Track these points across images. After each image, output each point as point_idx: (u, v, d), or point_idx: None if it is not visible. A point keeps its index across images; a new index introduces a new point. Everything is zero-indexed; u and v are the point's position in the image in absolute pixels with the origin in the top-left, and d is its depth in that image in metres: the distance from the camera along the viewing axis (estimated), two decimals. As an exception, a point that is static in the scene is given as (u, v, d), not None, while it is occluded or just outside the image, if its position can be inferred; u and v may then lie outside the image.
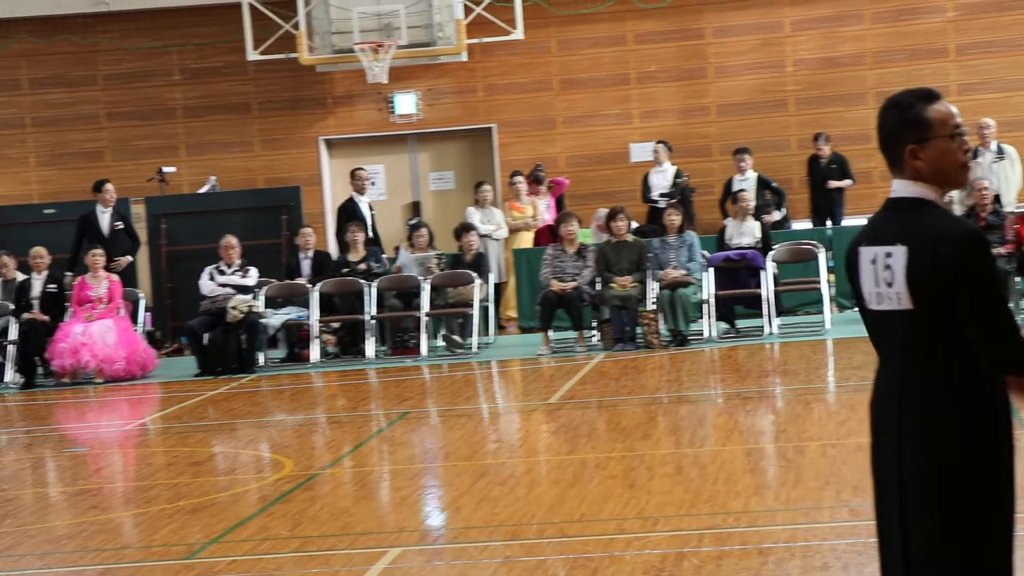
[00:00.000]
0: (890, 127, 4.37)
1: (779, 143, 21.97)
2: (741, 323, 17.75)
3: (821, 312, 17.59)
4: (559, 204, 20.98)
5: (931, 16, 22.11)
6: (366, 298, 17.89)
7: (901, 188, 4.38)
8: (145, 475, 11.58)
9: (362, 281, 18.05)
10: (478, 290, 17.84)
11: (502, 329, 19.66)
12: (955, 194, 17.25)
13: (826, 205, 20.60)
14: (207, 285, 17.78)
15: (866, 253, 4.40)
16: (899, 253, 4.29)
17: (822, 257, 17.73)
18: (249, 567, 7.96)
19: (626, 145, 22.44)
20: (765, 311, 17.32)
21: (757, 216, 18.36)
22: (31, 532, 9.33)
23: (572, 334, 17.54)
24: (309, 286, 18.09)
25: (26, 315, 17.82)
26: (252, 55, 21.98)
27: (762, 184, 20.36)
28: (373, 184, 21.34)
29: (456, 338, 17.84)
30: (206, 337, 17.45)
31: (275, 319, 17.98)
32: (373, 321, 17.91)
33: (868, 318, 4.46)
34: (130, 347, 17.53)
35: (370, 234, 19.65)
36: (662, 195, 20.39)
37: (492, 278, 18.66)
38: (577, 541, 8.06)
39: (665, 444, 11.22)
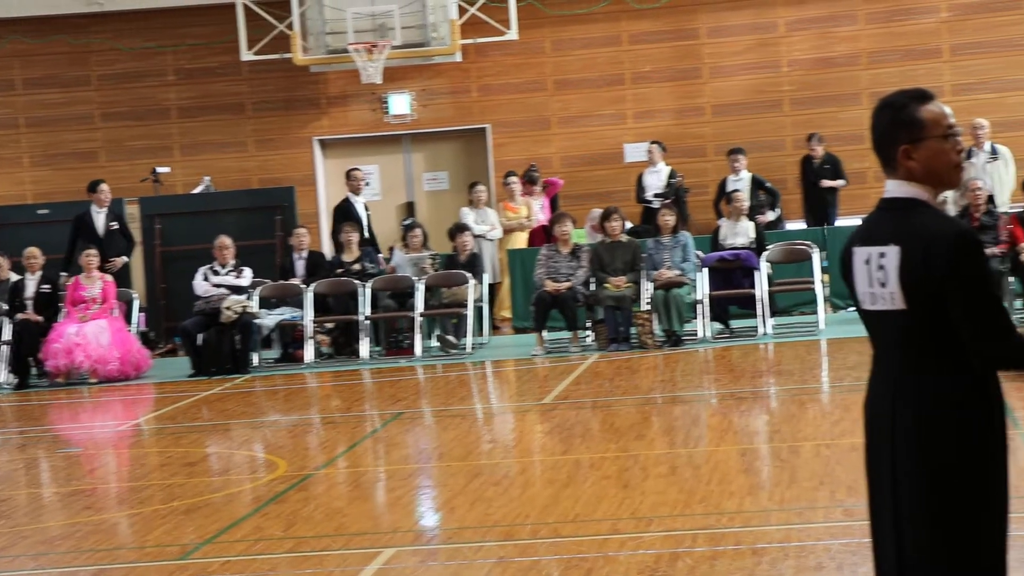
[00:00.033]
0: (883, 127, 4.38)
1: (773, 143, 21.98)
2: (735, 323, 17.76)
3: (815, 312, 17.60)
4: (553, 204, 20.99)
5: (925, 17, 22.12)
6: (360, 298, 17.89)
7: (894, 188, 4.38)
8: (139, 476, 11.57)
9: (356, 281, 18.05)
10: (472, 290, 17.84)
11: (496, 329, 19.66)
12: (949, 194, 17.26)
13: (820, 206, 20.61)
14: (201, 285, 17.77)
15: (860, 253, 4.41)
16: (892, 253, 4.29)
17: (816, 257, 17.74)
18: (243, 568, 7.95)
19: (620, 145, 22.44)
20: (759, 311, 17.33)
21: (751, 216, 18.37)
22: (25, 533, 9.33)
23: (566, 334, 17.54)
24: (303, 286, 18.09)
25: (20, 316, 17.80)
26: (246, 55, 21.97)
27: (756, 184, 20.36)
28: (368, 184, 21.33)
29: (450, 338, 17.84)
30: (200, 337, 17.44)
31: (269, 319, 17.98)
32: (367, 321, 17.91)
33: (863, 318, 4.47)
34: (124, 347, 17.52)
35: (366, 234, 19.66)
36: (656, 195, 20.40)
37: (486, 278, 18.66)
38: (571, 541, 8.06)
39: (659, 444, 11.22)
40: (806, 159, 20.86)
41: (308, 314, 17.86)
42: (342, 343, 18.20)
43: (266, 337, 18.17)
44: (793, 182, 21.11)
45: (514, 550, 7.98)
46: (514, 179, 20.67)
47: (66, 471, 11.99)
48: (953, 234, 4.22)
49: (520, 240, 20.29)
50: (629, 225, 18.76)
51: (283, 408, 15.14)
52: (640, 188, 20.89)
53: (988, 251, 15.44)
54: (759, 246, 17.76)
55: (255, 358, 17.69)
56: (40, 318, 17.81)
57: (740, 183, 20.10)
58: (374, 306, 18.04)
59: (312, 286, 18.02)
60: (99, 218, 19.35)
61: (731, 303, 17.73)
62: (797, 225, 20.53)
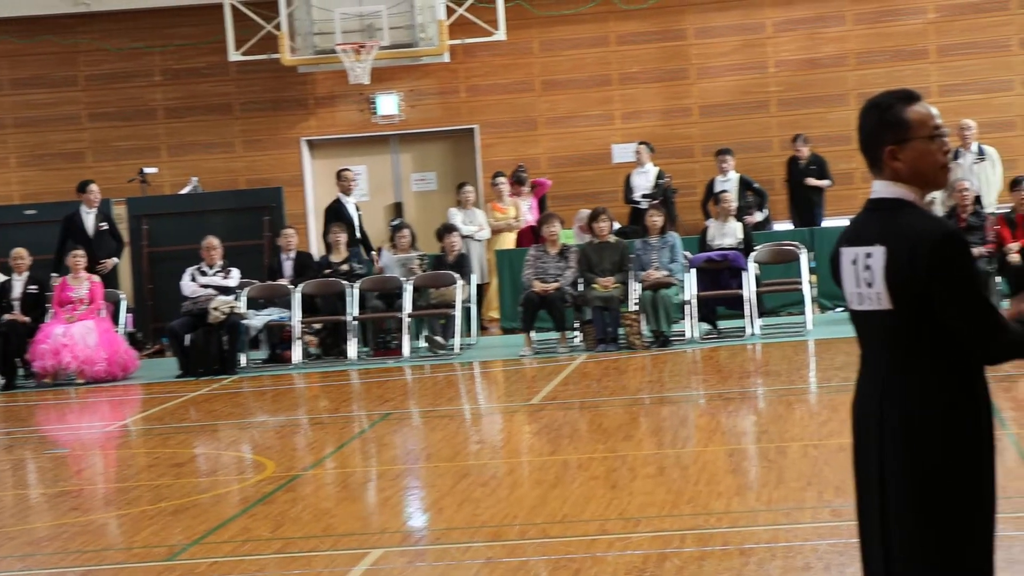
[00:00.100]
0: (870, 128, 4.38)
1: (761, 144, 22.01)
2: (723, 324, 17.77)
3: (803, 313, 17.62)
4: (541, 205, 20.99)
5: (912, 17, 22.16)
6: (348, 299, 17.88)
7: (881, 189, 4.39)
8: (126, 476, 11.56)
9: (344, 282, 18.04)
10: (460, 291, 17.83)
11: (484, 330, 19.66)
12: (937, 195, 17.30)
13: (806, 206, 20.63)
14: (189, 286, 17.74)
15: (847, 254, 4.42)
16: (878, 253, 4.30)
17: (804, 258, 17.76)
18: (231, 568, 7.95)
19: (608, 146, 22.45)
20: (747, 312, 17.34)
21: (739, 217, 18.39)
22: (11, 534, 9.31)
23: (554, 335, 17.55)
24: (291, 287, 18.08)
25: (7, 316, 17.77)
26: (234, 56, 21.94)
27: (744, 185, 20.39)
28: (356, 185, 21.31)
29: (438, 339, 17.84)
30: (188, 338, 17.42)
31: (257, 320, 17.96)
32: (355, 322, 17.90)
33: (851, 318, 4.48)
34: (111, 348, 17.50)
35: (357, 235, 19.66)
36: (644, 196, 20.41)
37: (474, 279, 18.66)
38: (559, 542, 8.07)
39: (647, 445, 11.23)
40: (792, 160, 20.89)
41: (296, 315, 17.85)
42: (330, 344, 18.19)
43: (254, 338, 18.15)
44: (780, 183, 21.13)
45: (502, 551, 7.98)
46: (502, 180, 20.67)
47: (53, 472, 11.97)
48: (939, 235, 4.23)
49: (508, 241, 20.29)
50: (617, 226, 18.76)
51: (271, 409, 15.13)
52: (628, 189, 20.90)
53: (975, 251, 15.49)
54: (747, 247, 17.78)
55: (243, 359, 17.67)
56: (27, 319, 17.77)
57: (728, 184, 20.12)
58: (362, 307, 18.02)
59: (300, 287, 18.01)
60: (89, 219, 19.32)
61: (719, 304, 17.75)
62: (785, 226, 20.55)
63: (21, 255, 18.09)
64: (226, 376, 17.10)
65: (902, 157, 4.34)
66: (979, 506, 4.27)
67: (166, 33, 22.91)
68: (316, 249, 21.52)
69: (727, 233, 17.98)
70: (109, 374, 17.36)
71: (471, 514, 8.87)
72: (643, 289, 17.16)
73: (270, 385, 16.52)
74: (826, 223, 20.17)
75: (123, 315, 18.68)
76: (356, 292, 17.94)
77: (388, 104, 22.65)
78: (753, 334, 17.24)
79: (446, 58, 22.03)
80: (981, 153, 19.81)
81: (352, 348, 17.78)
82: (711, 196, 19.68)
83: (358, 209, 20.13)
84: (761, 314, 17.64)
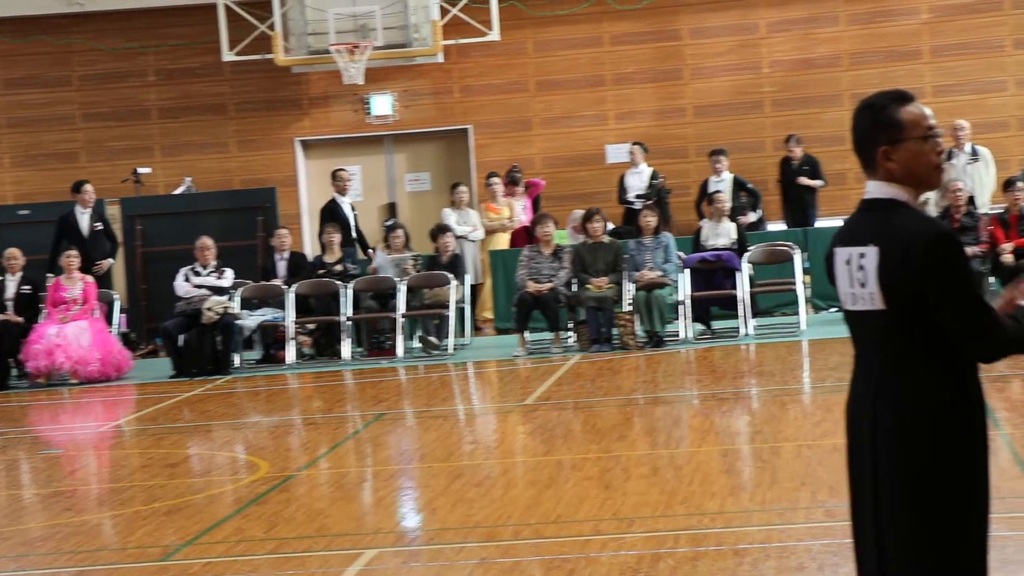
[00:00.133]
0: (863, 128, 4.39)
1: (755, 144, 22.02)
2: (717, 324, 17.78)
3: (797, 313, 17.62)
4: (535, 205, 20.99)
5: (906, 18, 22.18)
6: (342, 299, 17.87)
7: (874, 189, 4.40)
8: (120, 477, 11.55)
9: (338, 282, 18.04)
10: (454, 291, 17.84)
11: (478, 330, 19.66)
12: (931, 195, 17.32)
13: (799, 207, 20.64)
14: (182, 286, 17.73)
15: (841, 254, 4.42)
16: (871, 254, 4.31)
17: (797, 258, 17.76)
18: (224, 569, 7.94)
19: (602, 146, 22.46)
20: (741, 312, 17.35)
21: (733, 217, 18.40)
22: (5, 534, 9.30)
23: (548, 335, 17.55)
24: (285, 287, 18.07)
25: (0, 317, 17.75)
26: (227, 56, 21.93)
27: (738, 185, 20.40)
28: (351, 185, 21.30)
29: (432, 339, 17.84)
30: (181, 338, 17.41)
31: (250, 320, 17.95)
32: (349, 322, 17.89)
33: (845, 318, 4.48)
34: (105, 348, 17.48)
35: (353, 234, 19.67)
36: (638, 196, 20.41)
37: (468, 279, 18.66)
38: (553, 542, 8.07)
39: (641, 445, 11.23)
40: (785, 160, 20.90)
41: (290, 315, 17.85)
42: (324, 344, 18.18)
43: (247, 338, 18.14)
44: (774, 183, 21.14)
45: (496, 551, 7.98)
46: (496, 180, 20.68)
47: (47, 472, 11.96)
48: (933, 235, 4.23)
49: (502, 241, 20.30)
50: (611, 226, 18.77)
51: (265, 409, 15.12)
52: (622, 189, 20.90)
53: (968, 250, 15.51)
54: (741, 247, 17.79)
55: (236, 359, 17.67)
56: (20, 319, 17.76)
57: (722, 184, 20.13)
58: (356, 307, 18.02)
59: (294, 287, 18.01)
60: (83, 219, 19.31)
61: (713, 304, 17.76)
62: (779, 226, 20.56)
63: (14, 255, 18.08)
64: (220, 376, 17.09)
65: (895, 157, 4.34)
66: (972, 506, 4.27)
67: (160, 33, 22.90)
68: (310, 249, 21.53)
69: (721, 233, 17.99)
70: (103, 374, 17.35)
71: (465, 514, 8.87)
72: (637, 289, 17.17)
73: (264, 385, 16.51)
74: (819, 223, 20.18)
75: (117, 315, 18.67)
76: (350, 292, 17.93)
77: (382, 104, 22.65)
78: (747, 334, 17.24)
79: (440, 58, 22.03)
80: (974, 154, 19.83)
81: (346, 348, 17.78)
82: (705, 196, 19.69)
83: (353, 209, 20.13)
84: (755, 314, 17.64)
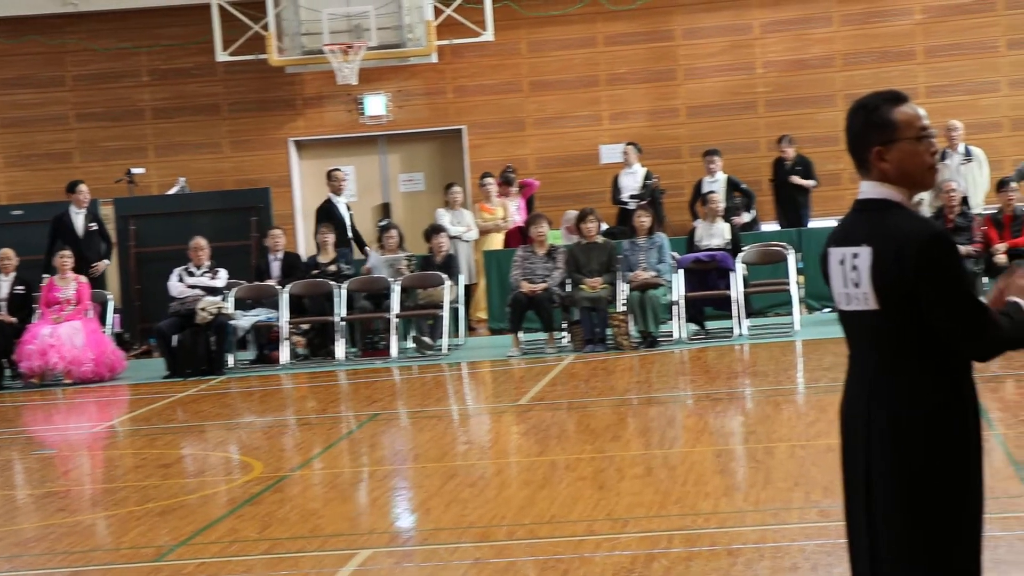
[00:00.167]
0: (857, 129, 4.39)
1: (748, 145, 22.03)
2: (711, 325, 17.78)
3: (790, 314, 17.63)
4: (529, 206, 21.00)
5: (899, 19, 22.20)
6: (336, 300, 17.87)
7: (868, 190, 4.40)
8: (113, 477, 11.54)
9: (332, 282, 18.03)
10: (448, 291, 17.83)
11: (472, 331, 19.66)
12: (925, 196, 17.33)
13: (792, 207, 20.65)
14: (176, 287, 17.72)
15: (835, 254, 4.43)
16: (865, 254, 4.31)
17: (791, 259, 17.77)
18: (218, 569, 7.94)
19: (596, 147, 22.47)
20: (735, 313, 17.36)
21: (727, 218, 18.41)
22: (-1, 535, 9.29)
23: (542, 335, 17.55)
24: (278, 287, 18.06)
25: (-6, 317, 17.75)
26: (221, 56, 21.92)
27: (732, 186, 20.41)
28: (347, 185, 21.31)
29: (426, 340, 17.83)
30: (175, 339, 17.40)
31: (244, 321, 17.94)
32: (343, 323, 17.89)
33: (840, 318, 4.49)
34: (98, 349, 17.47)
35: (349, 234, 19.67)
36: (632, 197, 20.42)
37: (462, 279, 18.66)
38: (547, 542, 8.07)
39: (635, 445, 11.23)
40: (778, 161, 20.91)
41: (283, 315, 17.84)
42: (317, 344, 18.17)
43: (241, 338, 18.13)
44: (767, 184, 21.15)
45: (490, 551, 7.98)
46: (490, 180, 20.68)
47: (40, 473, 11.95)
48: (926, 235, 4.23)
49: (496, 241, 20.30)
50: (605, 226, 18.76)
51: (258, 409, 15.12)
52: (616, 189, 20.91)
53: (962, 249, 15.53)
54: (734, 247, 17.80)
55: (230, 359, 17.66)
56: (14, 319, 17.74)
57: (715, 184, 20.14)
58: (350, 307, 18.02)
59: (287, 287, 18.00)
60: (78, 219, 19.29)
61: (707, 304, 17.76)
62: (772, 227, 20.57)
63: (8, 255, 18.06)
64: (213, 377, 17.08)
65: (889, 158, 4.35)
66: (966, 507, 4.28)
67: (154, 33, 22.88)
68: (304, 250, 21.52)
69: (715, 234, 17.99)
70: (96, 375, 17.34)
71: (459, 515, 8.87)
72: (631, 290, 17.17)
73: (258, 386, 16.50)
74: (813, 224, 20.19)
75: (110, 315, 18.66)
76: (344, 293, 17.93)
77: (376, 104, 22.64)
78: (741, 335, 17.25)
79: (434, 59, 22.03)
80: (968, 154, 19.85)
81: (340, 349, 17.77)
82: (699, 197, 19.70)
83: (349, 209, 20.13)
84: (749, 315, 17.65)
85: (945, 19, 22.07)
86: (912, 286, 4.22)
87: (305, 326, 18.16)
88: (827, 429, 10.67)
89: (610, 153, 22.10)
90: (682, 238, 18.48)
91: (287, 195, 22.63)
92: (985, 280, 17.34)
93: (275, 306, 17.96)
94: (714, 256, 17.61)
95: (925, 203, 18.00)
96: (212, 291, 17.68)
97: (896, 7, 22.18)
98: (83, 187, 19.41)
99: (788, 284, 17.70)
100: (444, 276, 17.91)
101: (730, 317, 17.43)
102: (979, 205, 19.27)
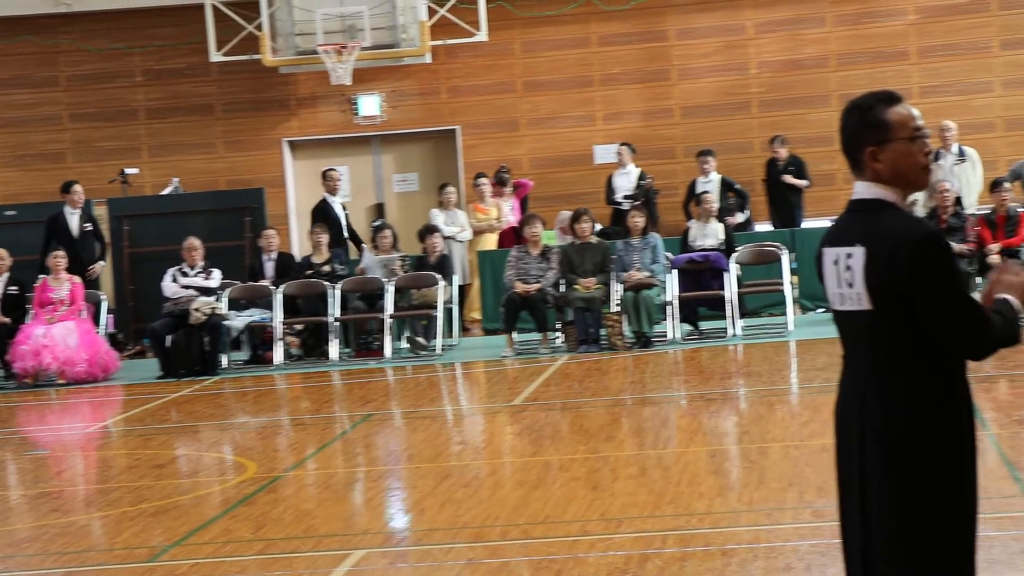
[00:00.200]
0: (851, 129, 4.40)
1: (742, 145, 22.03)
2: (705, 325, 17.79)
3: (784, 314, 17.64)
4: (523, 206, 21.00)
5: (893, 19, 22.21)
6: (330, 300, 17.86)
7: (862, 190, 4.41)
8: (107, 478, 11.53)
9: (326, 283, 18.02)
10: (442, 292, 17.83)
11: (466, 331, 19.65)
12: (920, 196, 17.35)
13: (785, 208, 20.65)
14: (170, 287, 17.71)
15: (829, 254, 4.43)
16: (858, 254, 4.32)
17: (785, 259, 17.78)
18: (212, 570, 7.93)
19: (590, 147, 22.46)
20: (728, 313, 17.37)
21: (720, 218, 18.41)
22: (-8, 535, 9.28)
23: (536, 336, 17.55)
24: (272, 288, 18.05)
25: (-13, 317, 17.74)
26: (215, 56, 21.90)
27: (725, 186, 20.42)
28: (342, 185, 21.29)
29: (420, 340, 17.83)
30: (169, 339, 17.38)
31: (238, 321, 17.93)
32: (337, 323, 17.88)
33: (834, 318, 4.50)
34: (92, 349, 17.46)
35: (345, 234, 19.67)
36: (626, 197, 20.42)
37: (456, 280, 18.65)
38: (541, 543, 8.07)
39: (629, 446, 11.23)
40: (771, 161, 20.92)
41: (277, 316, 17.83)
42: (311, 345, 18.16)
43: (235, 339, 18.12)
44: (761, 184, 21.15)
45: (484, 552, 7.98)
46: (484, 180, 20.68)
47: (34, 473, 11.94)
48: (920, 236, 4.24)
49: (490, 242, 20.30)
50: (599, 227, 18.77)
51: (252, 410, 15.11)
52: (610, 190, 20.91)
53: (956, 248, 15.53)
54: (728, 248, 17.81)
55: (224, 360, 17.65)
56: (7, 320, 17.73)
57: (709, 185, 20.14)
58: (344, 307, 18.01)
59: (281, 287, 17.99)
60: (73, 219, 19.28)
61: (700, 305, 17.76)
62: (766, 227, 20.58)
63: (1, 256, 18.04)
64: (207, 377, 17.08)
65: (883, 158, 4.35)
66: (960, 506, 4.28)
67: (147, 34, 22.86)
68: (297, 250, 21.51)
69: (709, 234, 18.00)
70: (90, 375, 17.32)
71: (453, 515, 8.87)
72: (625, 290, 17.17)
73: (251, 386, 16.49)
74: (806, 224, 20.20)
75: (104, 316, 18.64)
76: (338, 293, 17.92)
77: (370, 105, 22.64)
78: (735, 335, 17.26)
79: (428, 59, 22.02)
80: (961, 154, 19.86)
81: (334, 349, 17.76)
82: (693, 197, 19.70)
83: (345, 208, 20.13)
84: (742, 315, 17.65)
85: (939, 19, 22.09)
86: (906, 286, 4.23)
87: (299, 326, 18.15)
88: (821, 429, 10.68)
89: (604, 153, 22.10)
90: (676, 238, 18.49)
91: (281, 195, 22.61)
92: (979, 280, 17.35)
93: (269, 306, 17.95)
94: (708, 256, 17.61)
95: (919, 203, 18.01)
96: (206, 291, 17.67)
97: (890, 8, 22.19)
98: (78, 187, 19.40)
99: (782, 284, 17.71)
100: (438, 276, 17.91)
101: (724, 317, 17.44)
102: (973, 205, 19.28)
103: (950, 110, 21.14)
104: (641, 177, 20.73)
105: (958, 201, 18.15)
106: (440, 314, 17.76)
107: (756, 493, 8.93)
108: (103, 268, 19.41)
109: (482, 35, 21.75)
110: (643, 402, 13.56)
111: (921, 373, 4.28)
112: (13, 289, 17.96)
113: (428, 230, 18.78)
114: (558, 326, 17.61)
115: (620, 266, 17.46)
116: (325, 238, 18.72)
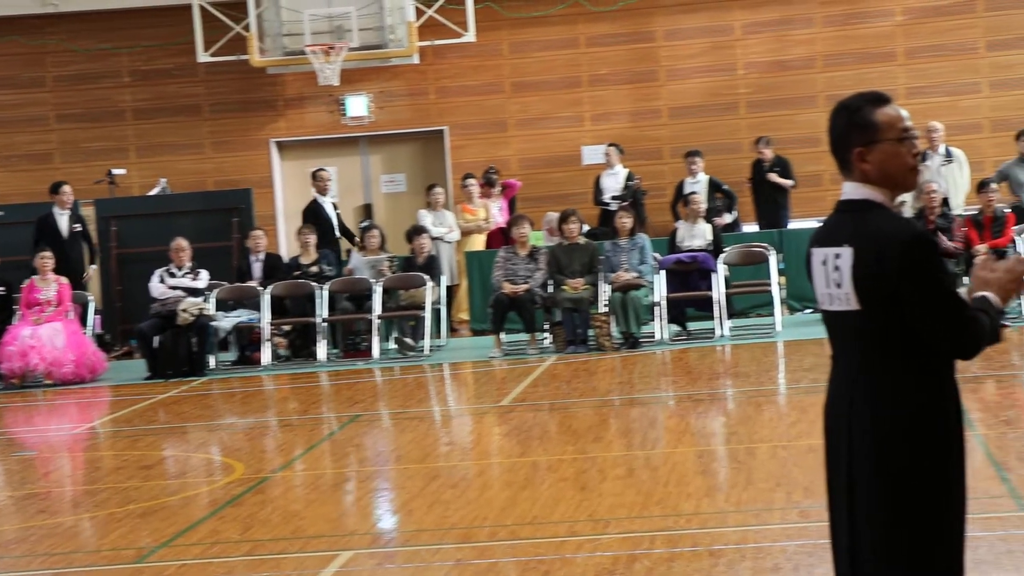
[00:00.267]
0: (839, 130, 4.41)
1: (730, 146, 22.05)
2: (692, 325, 17.80)
3: (772, 314, 17.66)
4: (511, 207, 21.00)
5: (880, 20, 22.25)
6: (317, 301, 17.85)
7: (850, 190, 4.41)
8: (94, 479, 11.51)
9: (313, 284, 18.01)
10: (430, 292, 17.83)
11: (454, 332, 19.65)
12: (907, 197, 17.37)
13: (771, 208, 20.66)
14: (157, 288, 17.69)
15: (817, 254, 4.44)
16: (846, 254, 4.32)
17: (773, 260, 17.80)
18: (200, 571, 7.93)
19: (578, 148, 22.47)
20: (716, 313, 17.38)
21: (708, 219, 18.43)
22: (-21, 537, 9.26)
23: (524, 336, 17.55)
24: (260, 288, 18.04)
25: (-26, 318, 17.70)
26: (202, 57, 21.87)
27: (713, 187, 20.43)
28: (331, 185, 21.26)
29: (408, 341, 17.82)
30: (156, 340, 17.36)
31: (226, 322, 17.91)
32: (325, 324, 17.87)
33: (823, 318, 4.50)
34: (79, 350, 17.43)
35: (337, 234, 19.66)
36: (614, 198, 20.43)
37: (444, 280, 18.65)
38: (529, 543, 8.07)
39: (616, 446, 11.24)
40: (757, 162, 20.94)
41: (265, 316, 17.81)
42: (299, 345, 18.15)
43: (223, 339, 18.11)
44: (747, 185, 21.16)
45: (472, 552, 7.98)
46: (472, 181, 20.68)
47: (21, 474, 11.91)
48: (908, 236, 4.25)
49: (478, 242, 20.29)
50: (587, 227, 18.78)
51: (240, 411, 15.09)
52: (598, 190, 20.91)
53: (943, 247, 15.55)
54: (716, 248, 17.82)
55: (212, 360, 17.63)
56: (-6, 321, 17.70)
57: (697, 185, 20.16)
58: (331, 308, 18.00)
59: (269, 288, 17.98)
60: (62, 220, 19.25)
61: (688, 305, 17.78)
62: (754, 227, 20.59)
63: (-12, 257, 18.03)
64: (195, 378, 17.06)
65: (870, 159, 4.36)
66: (949, 507, 4.29)
67: (134, 34, 22.83)
68: (285, 251, 21.49)
69: (696, 235, 18.01)
70: (77, 376, 17.29)
71: (441, 516, 8.87)
72: (613, 291, 17.18)
73: (239, 387, 16.48)
74: (793, 225, 20.22)
75: (91, 317, 18.61)
76: (325, 294, 17.91)
77: (357, 105, 22.62)
78: (722, 336, 17.27)
79: (415, 59, 22.02)
80: (948, 155, 19.89)
81: (321, 350, 17.75)
82: (680, 198, 19.71)
83: (335, 208, 20.12)
84: (730, 316, 17.67)
85: (925, 21, 22.13)
86: (894, 287, 4.24)
87: (287, 327, 18.14)
88: (808, 430, 10.69)
89: (592, 154, 22.11)
90: (664, 239, 18.50)
91: (269, 196, 22.59)
92: (965, 281, 17.39)
93: (257, 307, 17.93)
94: (696, 257, 17.63)
95: (907, 204, 18.04)
96: (193, 292, 17.65)
97: (877, 8, 22.23)
98: (67, 188, 19.37)
99: (770, 285, 17.73)
100: (426, 277, 17.91)
101: (712, 318, 17.45)
102: (960, 206, 19.31)
103: (937, 111, 21.17)
104: (629, 178, 20.74)
105: (945, 202, 18.19)
106: (428, 315, 17.76)
107: (744, 493, 8.93)
108: (94, 270, 19.37)
109: (470, 36, 21.75)
110: (631, 403, 13.56)
111: (909, 373, 4.28)
112: (0, 290, 17.92)
113: (416, 231, 18.78)
114: (546, 327, 17.62)
115: (608, 267, 17.47)
116: (313, 239, 18.70)
